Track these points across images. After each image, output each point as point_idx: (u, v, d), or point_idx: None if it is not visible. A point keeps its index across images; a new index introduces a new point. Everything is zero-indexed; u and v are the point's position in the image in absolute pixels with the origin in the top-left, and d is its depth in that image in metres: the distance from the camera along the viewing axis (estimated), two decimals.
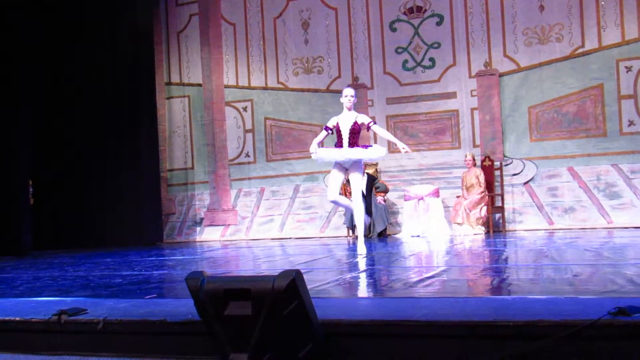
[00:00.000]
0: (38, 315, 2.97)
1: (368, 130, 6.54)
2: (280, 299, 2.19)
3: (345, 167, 6.12)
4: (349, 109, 6.08)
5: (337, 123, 6.11)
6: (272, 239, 10.00)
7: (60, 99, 9.89)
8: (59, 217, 9.86)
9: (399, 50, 9.87)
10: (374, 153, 6.18)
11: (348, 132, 6.02)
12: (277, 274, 2.27)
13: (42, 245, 9.41)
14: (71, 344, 2.84)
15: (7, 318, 2.99)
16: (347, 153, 6.00)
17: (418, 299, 2.96)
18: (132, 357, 2.77)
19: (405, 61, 9.82)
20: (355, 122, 6.07)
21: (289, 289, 2.20)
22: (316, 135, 10.54)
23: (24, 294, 4.14)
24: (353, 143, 6.03)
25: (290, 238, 9.90)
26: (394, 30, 9.93)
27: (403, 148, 6.16)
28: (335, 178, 6.14)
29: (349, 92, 6.11)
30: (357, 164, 6.05)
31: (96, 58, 10.05)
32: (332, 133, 6.20)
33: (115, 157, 9.92)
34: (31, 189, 9.69)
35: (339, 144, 6.09)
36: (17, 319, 2.97)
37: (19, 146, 9.03)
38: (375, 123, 6.30)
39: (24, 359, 2.85)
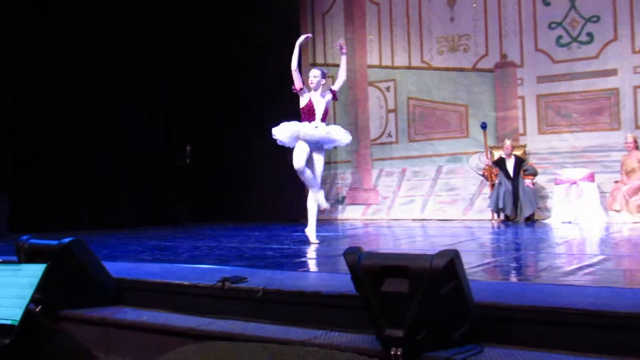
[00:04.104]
0: (204, 281, 3.21)
1: (336, 98, 5.96)
2: (438, 278, 2.18)
3: (309, 145, 5.73)
4: (315, 90, 5.79)
5: (311, 99, 5.76)
6: (413, 219, 9.94)
7: (210, 80, 10.44)
8: (214, 192, 10.51)
9: (553, 25, 9.29)
10: (345, 137, 5.93)
11: (322, 112, 5.77)
12: (434, 253, 2.26)
13: (194, 217, 10.10)
14: (233, 309, 3.04)
15: (178, 282, 3.26)
16: (331, 132, 5.75)
17: (582, 287, 2.81)
18: (288, 325, 2.91)
19: (560, 37, 9.24)
20: (326, 104, 5.82)
21: (446, 269, 2.19)
22: (461, 116, 10.43)
23: (188, 261, 4.48)
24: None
25: (431, 219, 9.78)
26: (547, 4, 9.36)
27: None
28: (303, 149, 5.69)
29: (312, 73, 5.86)
30: (322, 146, 5.80)
31: (244, 42, 10.48)
32: (294, 90, 5.81)
33: (261, 139, 10.27)
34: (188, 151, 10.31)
35: (309, 121, 5.74)
36: (187, 283, 3.23)
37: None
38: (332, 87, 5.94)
39: (191, 319, 3.09)
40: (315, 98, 5.79)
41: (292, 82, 5.78)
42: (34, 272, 2.18)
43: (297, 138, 5.70)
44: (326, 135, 5.72)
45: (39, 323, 2.84)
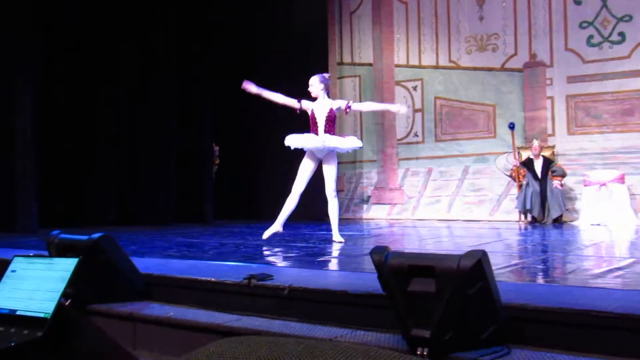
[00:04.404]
0: (230, 278, 3.23)
1: (347, 113, 6.04)
2: (466, 279, 2.17)
3: (318, 157, 5.67)
4: (316, 97, 5.71)
5: (312, 110, 5.70)
6: (439, 220, 9.89)
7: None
8: (232, 191, 10.59)
9: (584, 24, 9.16)
10: (352, 143, 5.79)
11: (324, 120, 5.66)
12: (462, 253, 2.25)
13: (220, 215, 10.18)
14: (259, 306, 3.06)
15: (205, 278, 3.29)
16: (327, 140, 5.59)
17: (611, 290, 2.77)
18: (314, 323, 2.92)
19: (591, 36, 9.10)
20: (331, 110, 5.69)
21: (474, 269, 2.18)
22: (488, 116, 10.32)
23: (215, 258, 4.52)
24: (329, 132, 5.66)
25: (457, 220, 9.72)
26: (578, 3, 9.24)
27: (398, 110, 6.00)
28: (307, 168, 5.69)
29: (310, 82, 5.76)
30: (332, 154, 5.66)
31: (272, 39, 10.50)
32: (298, 112, 5.83)
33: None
34: (217, 153, 10.42)
35: (313, 133, 5.69)
36: (213, 279, 3.26)
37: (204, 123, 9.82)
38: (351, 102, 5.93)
39: (218, 316, 3.12)
40: (317, 107, 5.72)
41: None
42: (66, 266, 2.22)
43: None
44: (321, 144, 5.59)
45: (68, 317, 2.89)
